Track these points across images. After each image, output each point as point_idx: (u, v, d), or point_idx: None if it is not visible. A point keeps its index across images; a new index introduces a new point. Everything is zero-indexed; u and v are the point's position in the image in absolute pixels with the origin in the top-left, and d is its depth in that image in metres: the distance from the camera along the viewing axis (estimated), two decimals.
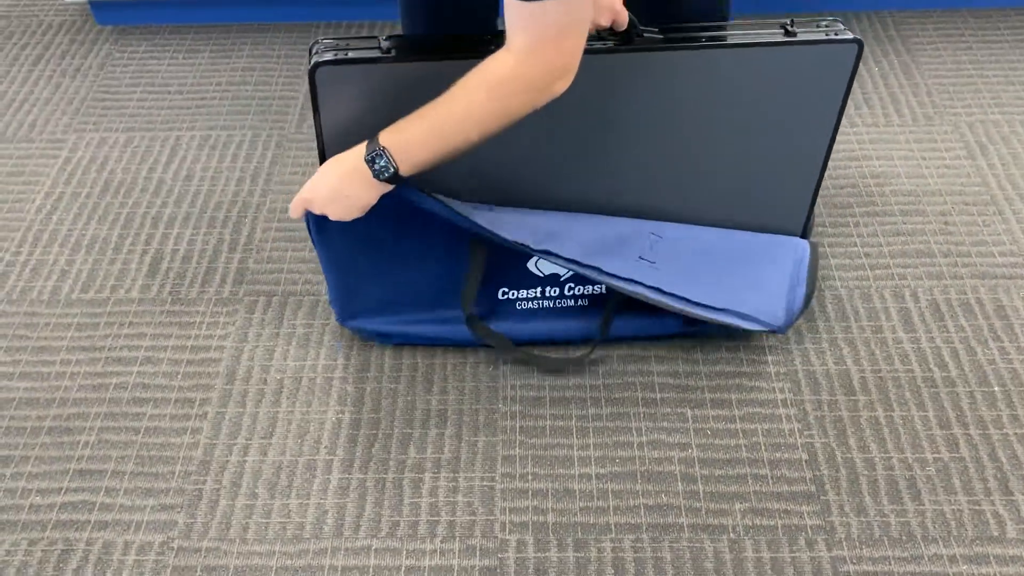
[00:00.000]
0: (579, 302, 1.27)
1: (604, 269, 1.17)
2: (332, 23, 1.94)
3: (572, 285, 1.25)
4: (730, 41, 1.12)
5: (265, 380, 1.29)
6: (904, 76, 1.75)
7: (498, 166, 1.15)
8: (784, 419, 1.22)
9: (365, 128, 1.05)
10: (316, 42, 1.11)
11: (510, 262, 1.21)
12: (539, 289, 1.25)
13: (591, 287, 1.25)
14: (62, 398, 1.27)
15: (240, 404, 1.26)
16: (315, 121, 1.12)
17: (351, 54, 1.08)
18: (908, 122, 1.66)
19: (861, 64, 1.77)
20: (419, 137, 0.99)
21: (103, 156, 1.65)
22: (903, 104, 1.69)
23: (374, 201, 1.06)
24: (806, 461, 1.17)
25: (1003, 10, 1.90)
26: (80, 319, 1.38)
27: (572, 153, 1.17)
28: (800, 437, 1.20)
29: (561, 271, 1.23)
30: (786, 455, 1.18)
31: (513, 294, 1.26)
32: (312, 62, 1.08)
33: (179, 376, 1.30)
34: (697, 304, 1.20)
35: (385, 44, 1.09)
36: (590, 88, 1.04)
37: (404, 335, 1.30)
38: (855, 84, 1.74)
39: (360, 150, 1.03)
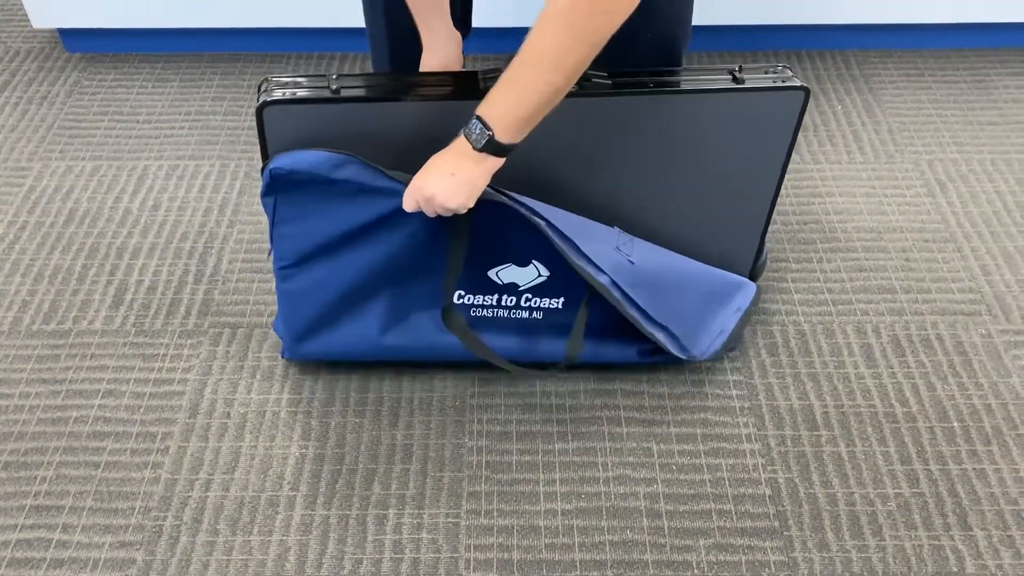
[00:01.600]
0: (534, 315, 1.26)
1: (582, 249, 1.14)
2: (303, 54, 1.95)
3: (530, 296, 1.24)
4: (678, 87, 1.14)
5: (228, 414, 1.27)
6: (866, 114, 1.79)
7: None
8: (748, 454, 1.23)
9: None
10: (265, 79, 1.12)
11: (470, 266, 1.18)
12: (495, 296, 1.24)
13: (548, 300, 1.24)
14: (20, 432, 1.25)
15: (203, 438, 1.24)
16: (263, 159, 1.12)
17: (299, 93, 1.09)
18: (870, 159, 1.69)
19: (824, 101, 1.81)
20: (506, 96, 0.97)
21: (69, 185, 1.64)
22: (865, 142, 1.73)
23: (486, 181, 1.03)
24: (769, 496, 1.18)
25: (961, 51, 1.95)
26: (41, 351, 1.36)
27: (526, 193, 1.18)
28: (764, 472, 1.21)
29: (520, 281, 1.21)
30: (750, 490, 1.19)
31: (468, 299, 1.24)
32: (260, 100, 1.08)
33: (141, 410, 1.28)
34: (643, 312, 1.20)
35: (335, 85, 1.10)
36: (538, 131, 1.05)
37: (358, 351, 1.29)
38: (819, 121, 1.77)
39: (459, 136, 1.01)
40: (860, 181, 1.64)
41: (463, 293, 1.23)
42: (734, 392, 1.30)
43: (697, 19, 1.86)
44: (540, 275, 1.20)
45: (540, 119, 0.99)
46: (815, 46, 1.95)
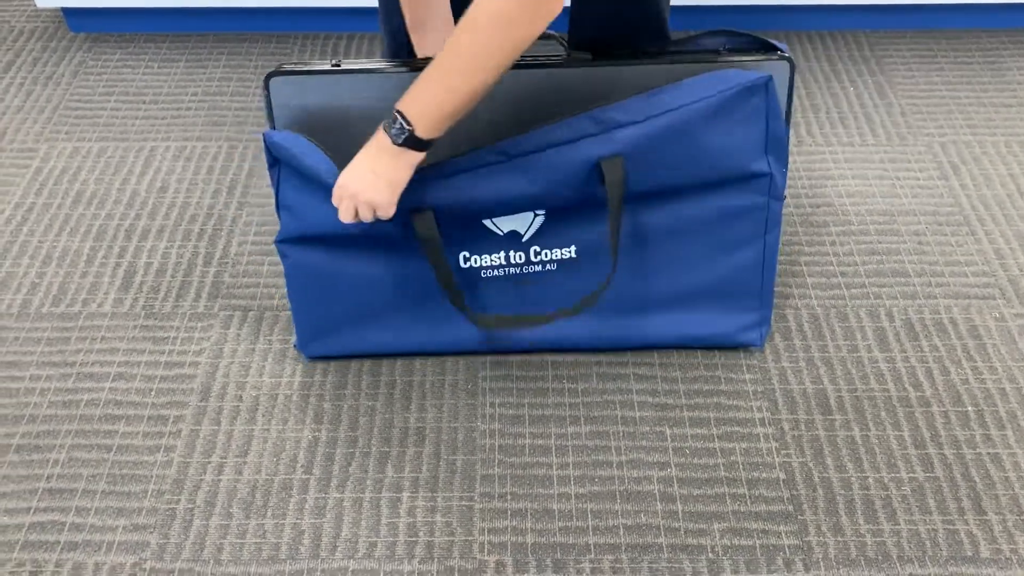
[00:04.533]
0: (548, 267, 1.23)
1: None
2: (310, 34, 1.93)
3: (538, 249, 1.21)
4: (659, 58, 1.16)
5: (240, 397, 1.27)
6: (878, 96, 1.78)
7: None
8: (762, 438, 1.22)
9: (317, 137, 1.12)
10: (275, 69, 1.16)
11: (462, 221, 1.17)
12: (502, 253, 1.21)
13: (559, 250, 1.21)
14: (31, 415, 1.25)
15: (215, 421, 1.24)
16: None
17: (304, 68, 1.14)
18: (883, 141, 1.68)
19: (836, 83, 1.79)
20: (428, 94, 0.98)
21: (75, 166, 1.63)
22: (877, 124, 1.71)
23: (408, 175, 1.04)
24: (783, 480, 1.18)
25: (974, 31, 1.93)
26: (50, 334, 1.35)
27: None
28: (778, 456, 1.20)
29: (521, 228, 1.19)
30: (764, 474, 1.18)
31: (476, 260, 1.21)
32: (266, 74, 1.14)
33: (152, 392, 1.28)
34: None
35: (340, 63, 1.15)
36: (514, 99, 1.10)
37: (374, 348, 1.30)
38: (831, 103, 1.76)
39: (381, 127, 1.02)
40: (872, 164, 1.63)
41: (467, 255, 1.21)
42: (747, 376, 1.30)
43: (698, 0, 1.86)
44: (536, 215, 1.18)
45: (463, 115, 1.00)
46: (826, 27, 1.93)
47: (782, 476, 1.18)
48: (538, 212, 1.18)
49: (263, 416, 1.25)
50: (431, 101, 0.98)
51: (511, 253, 1.21)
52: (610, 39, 1.17)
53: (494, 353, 1.32)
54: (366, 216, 1.06)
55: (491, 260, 1.22)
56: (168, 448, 1.21)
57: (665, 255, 1.23)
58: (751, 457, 1.20)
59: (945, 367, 1.31)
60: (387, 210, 1.05)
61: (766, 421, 1.24)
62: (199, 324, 1.36)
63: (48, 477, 1.18)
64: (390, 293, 1.23)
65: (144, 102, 1.76)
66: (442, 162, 1.10)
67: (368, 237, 1.16)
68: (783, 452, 1.21)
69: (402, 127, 0.99)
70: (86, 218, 1.53)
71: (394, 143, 1.00)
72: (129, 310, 1.39)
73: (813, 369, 1.31)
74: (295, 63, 1.16)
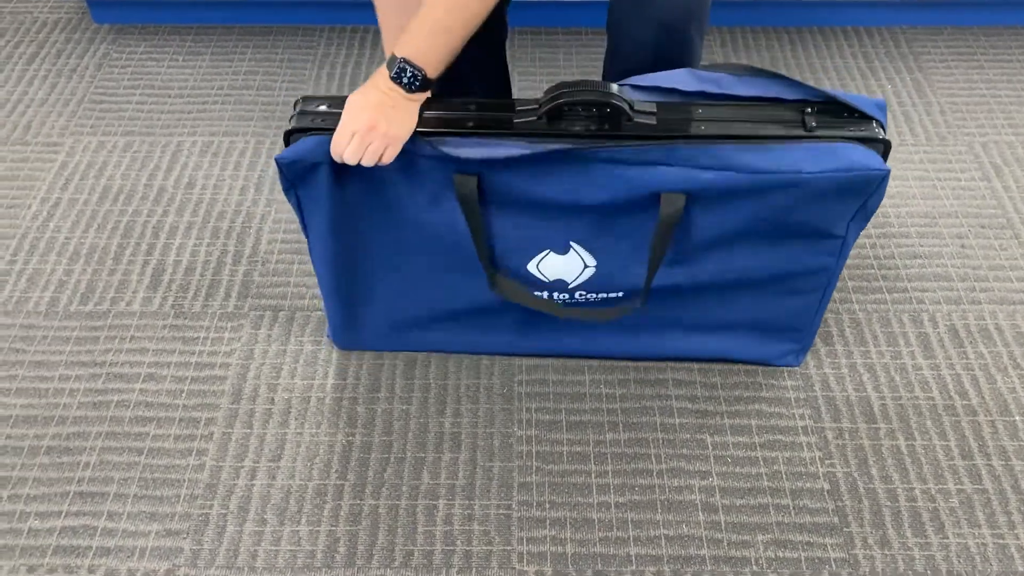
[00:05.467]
0: (590, 301, 1.18)
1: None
2: (336, 27, 1.90)
3: (584, 293, 1.17)
4: (733, 133, 1.02)
5: (273, 400, 1.25)
6: (917, 94, 1.74)
7: None
8: (805, 447, 1.20)
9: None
10: (297, 101, 1.09)
11: (506, 263, 1.12)
12: (545, 293, 1.17)
13: (605, 294, 1.16)
14: (61, 416, 1.23)
15: (247, 425, 1.22)
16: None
17: (326, 115, 1.06)
18: (922, 141, 1.64)
19: (874, 81, 1.75)
20: (429, 38, 0.98)
21: (101, 161, 1.61)
22: (916, 123, 1.68)
23: (416, 117, 1.01)
24: (828, 491, 1.15)
25: (1014, 28, 1.89)
26: (79, 332, 1.33)
27: None
28: (821, 466, 1.18)
29: (567, 276, 1.14)
30: (808, 484, 1.16)
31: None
32: (289, 126, 1.06)
33: (183, 394, 1.26)
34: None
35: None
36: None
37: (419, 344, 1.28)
38: None
39: (382, 75, 1.00)
40: (912, 164, 1.60)
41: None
42: (788, 383, 1.27)
43: None
44: (586, 265, 1.12)
45: (461, 47, 1.00)
46: (862, 22, 1.89)
47: (826, 487, 1.16)
48: (588, 264, 1.11)
49: (296, 419, 1.23)
50: (433, 45, 0.98)
51: (555, 294, 1.17)
52: (643, 68, 1.13)
53: (530, 356, 1.29)
54: (375, 152, 0.99)
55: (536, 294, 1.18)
56: (200, 451, 1.19)
57: (715, 295, 1.16)
58: (794, 466, 1.18)
59: (991, 375, 1.28)
60: (398, 147, 1.01)
61: (809, 429, 1.22)
62: (229, 324, 1.34)
63: (79, 480, 1.16)
64: (426, 287, 1.20)
65: (170, 96, 1.74)
66: (499, 151, 1.01)
67: (401, 224, 1.11)
68: (827, 462, 1.18)
69: (414, 74, 0.98)
70: (113, 214, 1.51)
71: (408, 91, 0.99)
72: (158, 309, 1.36)
73: (856, 376, 1.28)
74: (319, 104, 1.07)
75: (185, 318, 1.35)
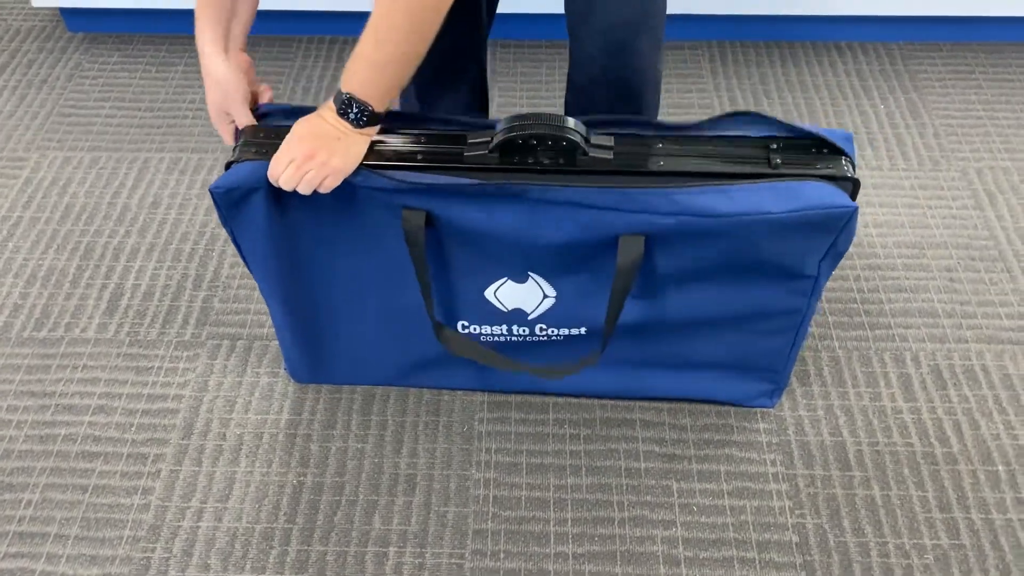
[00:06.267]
0: (553, 339, 1.14)
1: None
2: (315, 37, 1.85)
3: (544, 327, 1.11)
4: (695, 169, 0.96)
5: (224, 435, 1.21)
6: (911, 115, 1.68)
7: None
8: (775, 495, 1.14)
9: None
10: (243, 131, 1.02)
11: (461, 288, 1.08)
12: (504, 327, 1.12)
13: (567, 329, 1.11)
14: (6, 450, 1.19)
15: (196, 462, 1.18)
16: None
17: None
18: (914, 166, 1.58)
19: (867, 100, 1.69)
20: (368, 72, 0.92)
21: (66, 177, 1.57)
22: (909, 146, 1.62)
23: (363, 149, 0.96)
24: (796, 544, 1.10)
25: (1016, 45, 1.82)
26: (31, 360, 1.29)
27: None
28: (791, 516, 1.12)
29: (526, 306, 1.08)
30: (776, 536, 1.11)
31: (475, 328, 1.13)
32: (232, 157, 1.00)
33: (133, 428, 1.21)
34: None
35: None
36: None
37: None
38: (859, 122, 1.66)
39: (328, 109, 0.95)
40: (902, 190, 1.54)
41: (467, 323, 1.12)
42: (761, 425, 1.22)
43: (726, 7, 1.75)
44: (546, 295, 1.07)
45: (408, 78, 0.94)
46: (857, 37, 1.83)
47: (795, 539, 1.10)
48: (548, 295, 1.06)
49: (247, 457, 1.18)
50: (381, 76, 0.92)
51: (514, 327, 1.12)
52: (602, 99, 1.09)
53: (492, 392, 1.25)
54: (310, 181, 0.93)
55: (492, 331, 1.13)
56: (146, 490, 1.15)
57: (684, 334, 1.11)
58: (763, 516, 1.12)
59: (975, 420, 1.22)
60: (339, 179, 0.95)
61: (780, 476, 1.16)
62: (185, 353, 1.30)
63: (20, 519, 1.12)
64: (377, 328, 1.16)
65: (139, 109, 1.70)
66: (449, 180, 0.96)
67: (357, 253, 1.06)
68: (797, 512, 1.13)
69: (360, 110, 0.93)
70: (74, 234, 1.47)
71: (356, 126, 0.94)
72: (113, 336, 1.32)
73: (832, 419, 1.22)
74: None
75: (140, 346, 1.31)
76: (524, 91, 1.74)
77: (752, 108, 1.69)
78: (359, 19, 1.98)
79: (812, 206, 0.93)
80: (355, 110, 0.93)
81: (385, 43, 0.90)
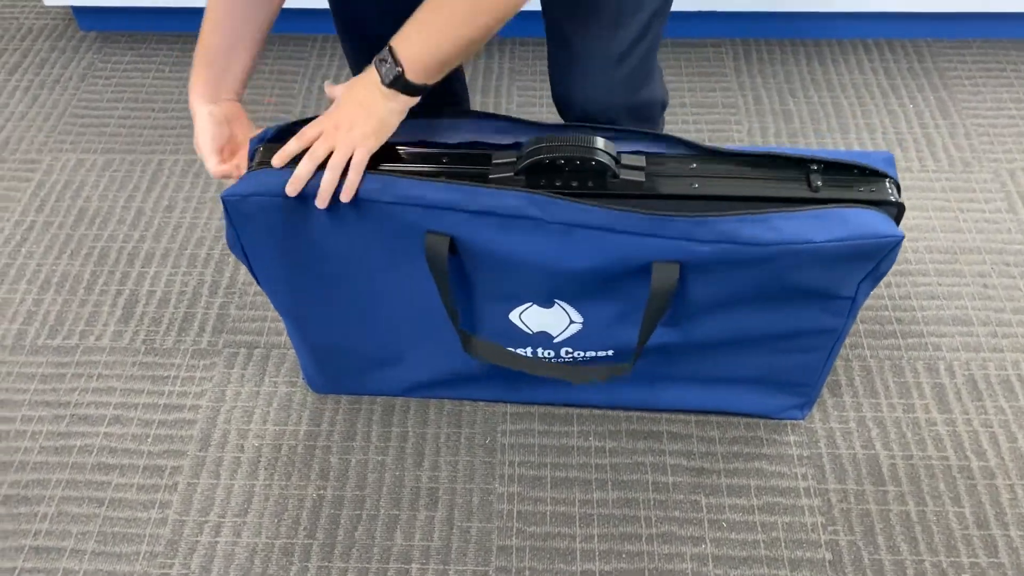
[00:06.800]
0: (578, 360, 1.11)
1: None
2: (330, 36, 1.82)
3: (570, 350, 1.08)
4: (732, 194, 0.92)
5: (242, 447, 1.18)
6: (940, 115, 1.63)
7: None
8: (807, 511, 1.11)
9: None
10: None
11: (486, 310, 1.04)
12: (529, 349, 1.09)
13: (594, 352, 1.08)
14: (22, 461, 1.17)
15: (214, 475, 1.16)
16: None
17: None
18: (944, 168, 1.54)
19: (895, 100, 1.65)
20: (420, 37, 0.87)
21: (79, 180, 1.54)
22: (939, 147, 1.58)
23: (396, 122, 0.91)
24: (830, 562, 1.07)
25: None
26: (45, 369, 1.27)
27: None
28: (824, 533, 1.09)
29: (552, 330, 1.05)
30: (808, 554, 1.08)
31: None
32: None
33: (149, 439, 1.19)
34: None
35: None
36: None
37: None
38: (887, 123, 1.62)
39: (370, 66, 0.90)
40: (933, 193, 1.50)
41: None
42: (791, 438, 1.18)
43: (750, 4, 1.72)
44: (572, 322, 1.03)
45: (456, 64, 0.89)
46: (884, 35, 1.79)
47: (828, 556, 1.07)
48: (574, 321, 1.02)
49: (265, 469, 1.16)
50: (423, 45, 0.87)
51: (539, 349, 1.08)
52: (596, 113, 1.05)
53: (515, 403, 1.22)
54: (338, 163, 0.89)
55: (516, 352, 1.09)
56: (163, 504, 1.13)
57: (714, 352, 1.08)
58: (794, 533, 1.09)
59: (1012, 432, 1.19)
60: (363, 158, 0.90)
61: (812, 491, 1.13)
62: (201, 362, 1.28)
63: (35, 533, 1.10)
64: (399, 343, 1.13)
65: (153, 109, 1.67)
66: (473, 190, 0.92)
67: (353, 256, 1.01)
68: (830, 528, 1.10)
69: (392, 66, 0.87)
70: (88, 239, 1.45)
71: (383, 83, 0.88)
72: (129, 344, 1.30)
73: (864, 431, 1.19)
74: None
75: (156, 355, 1.29)
76: (544, 89, 1.70)
77: (777, 108, 1.65)
78: None
79: (857, 235, 0.89)
80: (387, 64, 0.87)
81: (441, 8, 0.85)
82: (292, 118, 1.64)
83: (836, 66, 1.74)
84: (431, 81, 0.89)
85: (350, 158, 0.90)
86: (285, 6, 1.74)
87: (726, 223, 0.88)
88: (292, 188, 0.90)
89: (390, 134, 0.92)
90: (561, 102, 1.11)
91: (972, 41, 1.78)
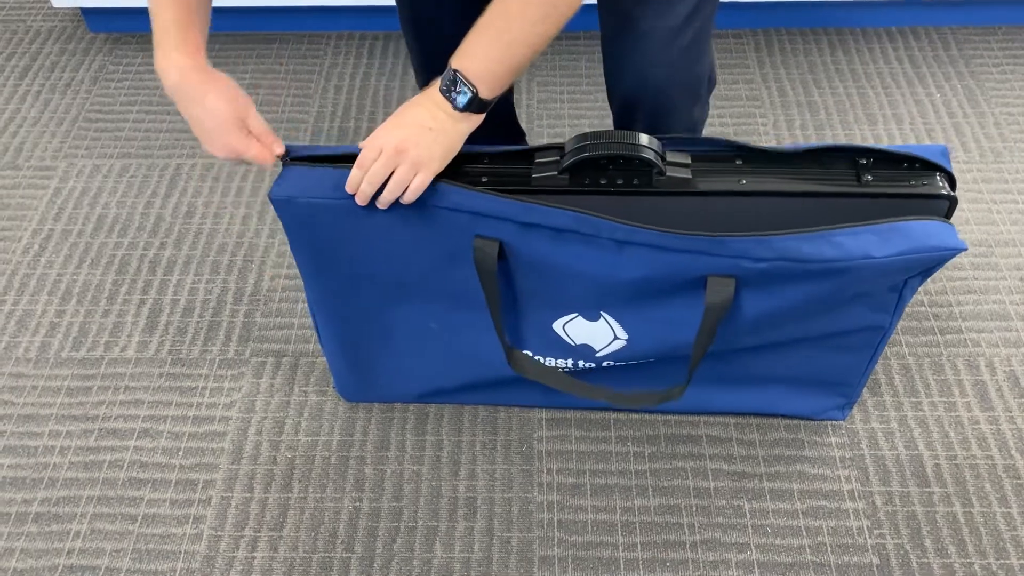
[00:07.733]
0: (619, 368, 1.09)
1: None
2: (344, 33, 1.79)
3: (612, 363, 1.07)
4: (777, 188, 0.90)
5: (275, 459, 1.16)
6: (968, 104, 1.61)
7: None
8: (852, 514, 1.10)
9: None
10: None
11: (530, 317, 1.03)
12: (571, 360, 1.08)
13: (636, 362, 1.07)
14: (51, 478, 1.15)
15: (247, 488, 1.14)
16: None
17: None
18: (975, 158, 1.52)
19: (921, 89, 1.63)
20: (490, 50, 0.85)
21: (96, 187, 1.52)
22: (968, 137, 1.55)
23: (461, 143, 0.89)
24: (878, 566, 1.05)
25: None
26: (71, 382, 1.25)
27: None
28: (870, 537, 1.08)
29: (595, 344, 1.04)
30: (855, 558, 1.06)
31: (541, 359, 1.08)
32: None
33: (180, 453, 1.17)
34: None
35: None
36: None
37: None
38: (915, 112, 1.60)
39: (432, 88, 0.87)
40: (964, 184, 1.47)
41: (531, 352, 1.07)
42: (833, 439, 1.17)
43: None
44: (617, 338, 1.01)
45: (526, 70, 0.88)
46: (908, 22, 1.76)
47: (876, 561, 1.06)
48: (619, 337, 1.00)
49: (299, 482, 1.14)
50: (495, 58, 0.84)
51: (580, 361, 1.07)
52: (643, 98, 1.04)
53: (551, 408, 1.20)
54: (401, 181, 0.87)
55: (557, 362, 1.08)
56: (197, 519, 1.11)
57: (758, 355, 1.05)
58: (840, 538, 1.08)
59: None
60: (425, 180, 0.88)
61: (856, 494, 1.11)
62: (229, 372, 1.26)
63: (69, 552, 1.09)
64: (438, 348, 1.11)
65: (168, 112, 1.64)
66: (527, 208, 0.89)
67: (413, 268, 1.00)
68: (876, 532, 1.08)
69: (465, 90, 0.85)
70: (108, 247, 1.42)
71: (456, 108, 0.86)
72: (154, 355, 1.28)
73: (906, 431, 1.17)
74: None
75: (183, 365, 1.27)
76: (564, 85, 1.67)
77: (803, 99, 1.62)
78: (391, 13, 1.91)
79: (919, 249, 0.86)
80: (459, 88, 0.85)
81: (508, 15, 0.82)
82: (309, 121, 1.62)
83: (860, 55, 1.71)
84: (499, 95, 0.88)
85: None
86: (300, 4, 1.72)
87: (785, 241, 0.86)
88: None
89: (453, 156, 0.89)
90: (613, 77, 1.11)
91: (997, 28, 1.75)
